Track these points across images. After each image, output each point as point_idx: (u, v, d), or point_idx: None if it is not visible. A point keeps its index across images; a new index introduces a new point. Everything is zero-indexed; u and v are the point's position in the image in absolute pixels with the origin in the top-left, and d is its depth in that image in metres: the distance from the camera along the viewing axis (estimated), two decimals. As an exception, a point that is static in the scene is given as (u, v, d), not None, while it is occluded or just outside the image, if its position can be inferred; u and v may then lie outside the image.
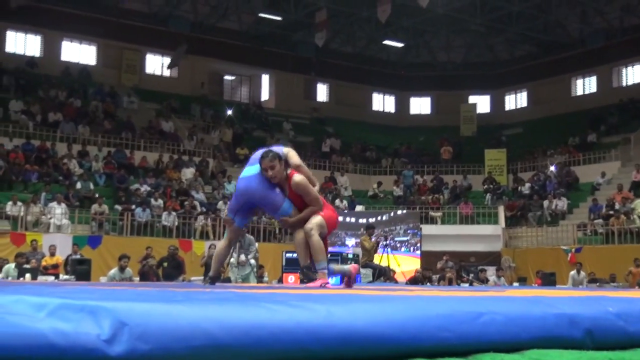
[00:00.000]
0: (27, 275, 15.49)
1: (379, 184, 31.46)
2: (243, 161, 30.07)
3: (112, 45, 33.89)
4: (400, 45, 38.60)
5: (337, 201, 28.72)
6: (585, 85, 37.59)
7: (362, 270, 19.77)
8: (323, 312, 1.85)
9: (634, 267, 20.64)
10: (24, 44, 32.63)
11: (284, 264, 17.60)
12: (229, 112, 34.86)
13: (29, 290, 2.95)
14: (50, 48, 32.84)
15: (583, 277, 20.93)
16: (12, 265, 16.91)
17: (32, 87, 29.85)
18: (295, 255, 17.84)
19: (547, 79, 37.66)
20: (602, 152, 30.39)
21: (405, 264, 21.87)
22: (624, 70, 36.25)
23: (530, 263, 24.57)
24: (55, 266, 18.02)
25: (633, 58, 35.00)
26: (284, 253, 17.70)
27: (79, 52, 33.80)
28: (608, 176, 28.59)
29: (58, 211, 21.72)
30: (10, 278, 16.01)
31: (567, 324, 2.24)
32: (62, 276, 17.06)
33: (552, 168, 30.48)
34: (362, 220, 23.94)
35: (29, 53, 32.51)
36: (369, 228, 17.94)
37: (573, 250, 23.58)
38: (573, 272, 21.14)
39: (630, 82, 35.77)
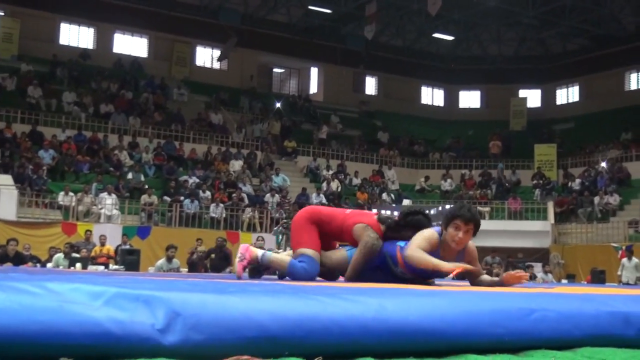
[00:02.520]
0: (78, 265, 15.75)
1: (427, 178, 31.30)
2: (291, 154, 30.28)
3: (163, 38, 34.25)
4: (450, 38, 38.29)
5: (384, 195, 28.68)
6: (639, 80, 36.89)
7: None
8: (375, 306, 1.85)
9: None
10: (78, 36, 33.13)
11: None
12: (278, 104, 34.98)
13: (84, 279, 3.00)
14: (103, 40, 33.32)
15: (634, 264, 20.57)
16: (62, 254, 17.22)
17: (84, 78, 30.32)
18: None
19: (600, 73, 37.01)
20: (655, 148, 29.79)
21: (453, 259, 21.69)
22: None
23: (579, 260, 24.23)
24: (106, 256, 18.29)
25: (690, 52, 34.27)
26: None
27: (131, 44, 34.22)
28: (661, 173, 28.06)
29: (108, 202, 22.04)
30: (61, 267, 16.31)
31: (621, 322, 2.21)
32: (112, 266, 17.30)
33: (604, 164, 29.99)
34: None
35: (82, 45, 33.01)
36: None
37: (624, 247, 23.15)
38: (624, 260, 20.81)
39: (685, 77, 35.02)
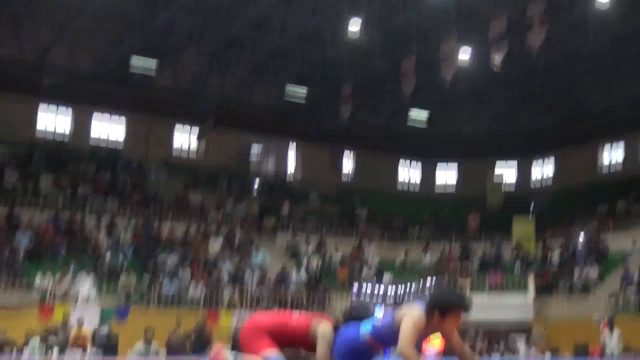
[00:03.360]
0: (55, 350, 15.49)
1: (406, 253, 31.32)
2: (269, 232, 30.25)
3: (140, 120, 34.37)
4: (425, 117, 38.80)
5: (365, 270, 28.60)
6: (613, 154, 37.41)
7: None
8: None
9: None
10: (55, 119, 33.17)
11: None
12: (256, 184, 35.05)
13: None
14: (81, 123, 33.31)
15: (617, 335, 20.46)
16: (38, 339, 16.92)
17: (62, 161, 30.26)
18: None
19: (574, 148, 37.53)
20: (631, 221, 30.04)
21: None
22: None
23: (561, 333, 24.14)
24: (83, 339, 17.96)
25: (660, 126, 34.91)
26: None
27: (109, 127, 34.28)
28: (638, 244, 28.21)
29: (86, 284, 21.78)
30: (37, 353, 16.03)
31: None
32: (90, 350, 17.02)
33: (582, 236, 30.20)
34: (391, 290, 23.80)
35: (59, 128, 33.02)
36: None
37: (605, 319, 23.13)
38: (605, 335, 20.69)
39: (658, 151, 35.56)
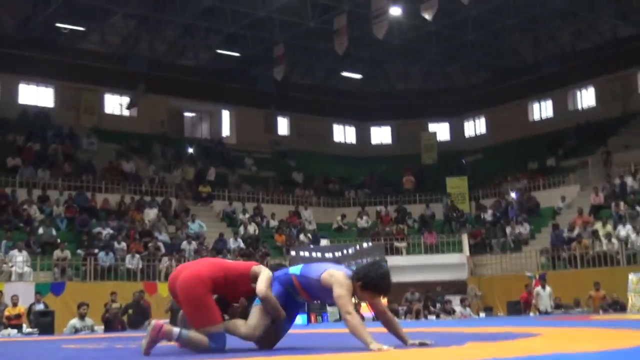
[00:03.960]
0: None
1: (343, 216, 31.56)
2: (206, 199, 30.08)
3: (69, 87, 33.64)
4: (358, 76, 38.91)
5: (302, 235, 28.74)
6: (542, 110, 38.15)
7: (329, 309, 19.78)
8: None
9: (594, 291, 20.98)
10: (-20, 89, 32.26)
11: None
12: (190, 149, 34.79)
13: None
14: (8, 91, 32.48)
15: (549, 292, 21.10)
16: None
17: (-11, 132, 29.51)
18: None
19: (504, 105, 38.15)
20: (561, 177, 30.78)
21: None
22: (578, 93, 36.85)
23: (496, 291, 24.74)
24: (18, 316, 17.74)
25: (586, 81, 35.67)
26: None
27: (37, 95, 33.48)
28: (568, 200, 28.95)
29: (19, 259, 21.39)
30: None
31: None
32: (25, 328, 16.80)
33: (513, 194, 30.81)
34: (328, 255, 23.97)
35: (-15, 98, 32.13)
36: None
37: (537, 276, 23.76)
38: (538, 288, 21.32)
39: (585, 106, 36.36)
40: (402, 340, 6.03)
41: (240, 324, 6.22)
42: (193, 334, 5.96)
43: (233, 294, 6.41)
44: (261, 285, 6.14)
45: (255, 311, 6.22)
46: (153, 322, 5.93)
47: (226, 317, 6.32)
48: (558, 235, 25.49)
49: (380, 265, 6.31)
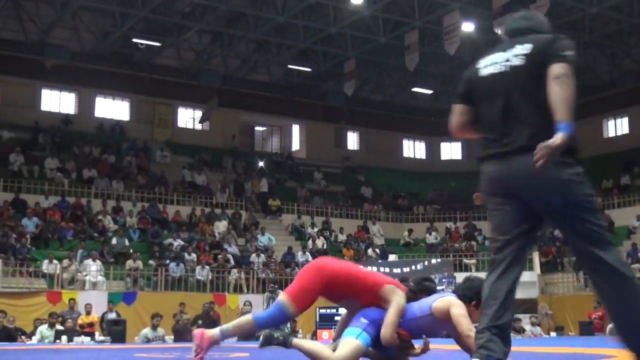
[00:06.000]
0: (63, 338, 15.61)
1: (410, 231, 31.41)
2: (275, 212, 30.31)
3: (144, 101, 34.40)
4: (429, 92, 38.76)
5: (370, 250, 28.70)
6: (617, 127, 37.34)
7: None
8: None
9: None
10: (59, 101, 33.22)
11: (317, 319, 17.54)
12: (261, 163, 35.14)
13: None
14: (84, 105, 33.41)
15: None
16: (46, 326, 17.08)
17: (66, 144, 30.35)
18: (329, 311, 17.85)
19: (578, 122, 36.18)
20: (636, 195, 30.05)
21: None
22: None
23: (567, 310, 24.25)
24: (91, 325, 18.15)
25: (664, 98, 34.83)
26: (317, 309, 17.65)
27: (112, 108, 34.33)
28: (644, 219, 28.26)
29: (93, 268, 21.94)
30: (46, 340, 16.16)
31: None
32: (98, 336, 17.17)
33: (587, 212, 30.14)
34: (396, 270, 23.87)
35: (63, 110, 33.05)
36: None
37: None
38: (611, 325, 20.73)
39: (662, 122, 35.48)
40: None
41: (326, 352, 5.61)
42: (232, 324, 5.79)
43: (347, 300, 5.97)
44: (387, 329, 5.60)
45: (349, 344, 5.59)
46: (195, 333, 5.70)
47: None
48: (633, 254, 24.90)
49: (470, 279, 6.04)
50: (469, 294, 5.65)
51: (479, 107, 4.12)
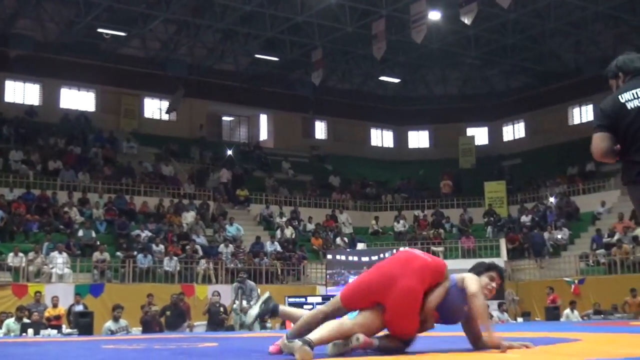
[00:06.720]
0: (30, 331, 15.48)
1: (376, 219, 31.53)
2: (243, 202, 30.24)
3: (110, 91, 34.11)
4: (396, 80, 38.85)
5: (338, 239, 28.76)
6: (582, 114, 37.69)
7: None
8: None
9: (630, 297, 20.66)
10: (23, 92, 32.84)
11: (286, 308, 17.49)
12: (229, 152, 35.04)
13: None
14: (49, 96, 33.05)
15: (576, 316, 20.75)
16: (13, 319, 16.91)
17: (31, 135, 29.98)
18: (298, 299, 17.87)
19: (544, 109, 37.80)
20: (601, 181, 30.42)
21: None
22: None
23: (533, 296, 24.48)
24: (58, 317, 17.99)
25: (628, 85, 35.13)
26: (286, 298, 17.65)
27: (78, 99, 33.99)
28: (608, 205, 28.59)
29: (60, 260, 21.74)
30: (12, 334, 16.00)
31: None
32: (65, 329, 17.03)
33: (552, 199, 30.50)
34: (365, 259, 23.91)
35: (28, 102, 32.67)
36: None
37: (576, 281, 23.54)
38: (567, 310, 20.98)
39: (626, 110, 35.79)
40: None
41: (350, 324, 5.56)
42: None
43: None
44: (431, 304, 5.66)
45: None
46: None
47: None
48: (598, 240, 25.22)
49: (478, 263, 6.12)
50: (480, 269, 5.87)
51: (625, 135, 4.74)
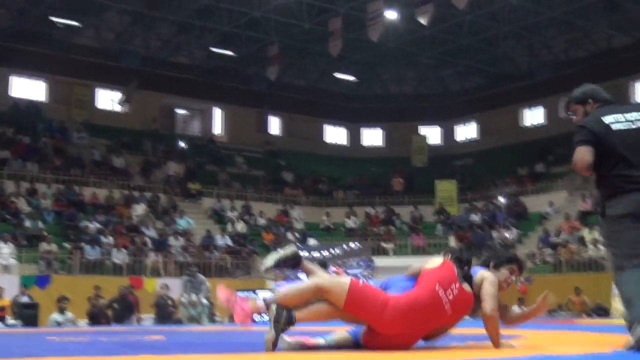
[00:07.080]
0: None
1: (327, 214, 31.63)
2: (195, 196, 30.07)
3: (62, 81, 33.53)
4: (352, 78, 38.96)
5: (290, 234, 28.78)
6: (533, 116, 38.22)
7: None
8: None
9: (575, 295, 21.08)
10: (-29, 81, 32.18)
11: (235, 302, 17.43)
12: (182, 144, 34.78)
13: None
14: (-2, 84, 32.43)
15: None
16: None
17: (-21, 124, 29.41)
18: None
19: (496, 110, 38.21)
20: (550, 182, 30.91)
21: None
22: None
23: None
24: (2, 309, 17.70)
25: (579, 89, 35.67)
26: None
27: (28, 88, 33.39)
28: (556, 206, 29.06)
29: (5, 251, 21.40)
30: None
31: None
32: (9, 320, 16.78)
33: (502, 199, 30.90)
34: (316, 254, 23.99)
35: (-24, 90, 32.02)
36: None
37: (523, 280, 23.84)
38: (515, 307, 21.27)
39: (577, 113, 36.36)
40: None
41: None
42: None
43: None
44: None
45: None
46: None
47: None
48: (545, 240, 25.62)
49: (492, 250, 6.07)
50: (501, 260, 5.82)
51: (608, 154, 5.12)
